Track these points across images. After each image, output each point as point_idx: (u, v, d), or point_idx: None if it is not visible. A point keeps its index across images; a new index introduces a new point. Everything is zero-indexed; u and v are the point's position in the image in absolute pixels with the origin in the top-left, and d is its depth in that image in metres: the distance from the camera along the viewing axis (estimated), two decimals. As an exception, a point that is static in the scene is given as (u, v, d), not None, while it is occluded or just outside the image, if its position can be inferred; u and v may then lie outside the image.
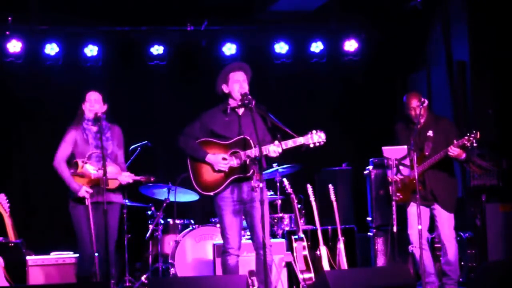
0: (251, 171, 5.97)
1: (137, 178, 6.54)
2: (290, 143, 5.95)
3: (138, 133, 8.32)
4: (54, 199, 8.17)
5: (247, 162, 5.99)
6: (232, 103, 6.16)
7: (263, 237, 5.74)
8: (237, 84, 6.11)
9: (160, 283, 6.15)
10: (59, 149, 6.43)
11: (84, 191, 6.30)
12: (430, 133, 6.74)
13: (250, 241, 6.35)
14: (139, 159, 7.95)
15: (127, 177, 6.46)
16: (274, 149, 5.94)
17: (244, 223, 6.30)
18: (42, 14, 8.87)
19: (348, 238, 7.94)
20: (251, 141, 5.99)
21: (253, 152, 5.94)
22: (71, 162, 6.40)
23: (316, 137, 5.94)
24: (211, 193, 6.10)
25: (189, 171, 6.17)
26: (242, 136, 6.05)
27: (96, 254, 6.35)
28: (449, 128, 6.87)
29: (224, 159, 6.05)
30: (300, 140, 5.95)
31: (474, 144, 6.40)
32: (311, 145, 5.95)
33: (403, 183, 6.76)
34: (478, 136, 6.37)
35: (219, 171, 6.06)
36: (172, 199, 7.98)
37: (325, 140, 5.96)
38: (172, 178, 8.00)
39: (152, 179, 6.64)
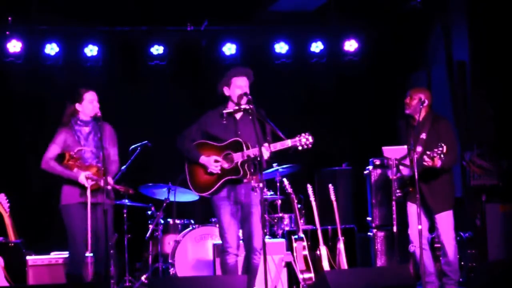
0: (242, 173, 6.04)
1: (117, 187, 6.45)
2: (278, 146, 6.05)
3: (138, 133, 8.32)
4: (54, 199, 8.15)
5: (238, 164, 6.07)
6: (231, 106, 6.24)
7: (263, 239, 5.82)
8: (239, 90, 6.19)
9: (160, 283, 6.16)
10: (47, 151, 6.34)
11: (83, 177, 6.17)
12: (423, 135, 6.71)
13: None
14: (139, 159, 7.95)
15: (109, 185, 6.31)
16: (263, 151, 5.96)
17: None
18: (42, 14, 8.86)
19: (348, 238, 7.95)
20: (243, 144, 6.07)
21: (245, 154, 6.02)
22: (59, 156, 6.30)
23: (304, 140, 6.01)
24: (205, 194, 6.21)
25: (185, 172, 6.29)
26: (235, 139, 6.12)
27: (91, 254, 6.33)
28: (445, 130, 6.79)
29: (216, 161, 6.14)
30: (288, 143, 6.02)
31: (442, 156, 6.36)
32: (299, 148, 6.02)
33: (399, 182, 6.72)
34: (444, 150, 6.33)
35: (211, 173, 6.16)
36: (172, 199, 8.00)
37: (312, 143, 6.02)
38: (172, 178, 8.01)
39: (131, 192, 6.60)
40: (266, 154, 6.01)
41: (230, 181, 6.14)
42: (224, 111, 6.21)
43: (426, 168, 6.50)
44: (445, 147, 6.32)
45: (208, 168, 6.15)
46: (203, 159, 6.16)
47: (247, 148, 6.05)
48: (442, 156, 6.35)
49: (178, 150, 6.29)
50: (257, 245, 6.13)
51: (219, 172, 6.13)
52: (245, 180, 6.07)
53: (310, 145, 6.02)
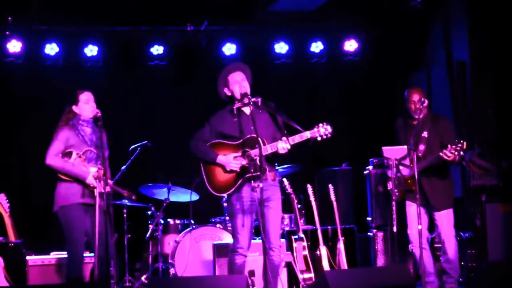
0: (262, 169, 5.87)
1: (119, 189, 6.41)
2: (297, 138, 5.96)
3: (138, 133, 8.32)
4: (54, 199, 8.16)
5: (257, 161, 5.91)
6: (237, 104, 6.15)
7: (267, 238, 5.78)
8: (237, 85, 6.11)
9: (160, 283, 6.15)
10: (51, 147, 6.23)
11: (91, 177, 6.10)
12: (424, 134, 6.73)
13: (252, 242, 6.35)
14: (139, 159, 7.94)
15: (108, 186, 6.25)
16: (282, 145, 5.93)
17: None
18: (42, 14, 8.87)
19: (348, 238, 7.95)
20: (260, 140, 5.92)
21: (263, 150, 5.87)
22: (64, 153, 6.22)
23: (323, 130, 5.95)
24: (225, 194, 6.10)
25: (202, 175, 6.15)
26: (251, 135, 6.01)
27: (93, 254, 6.32)
28: (446, 128, 6.83)
29: (235, 158, 6.04)
30: (307, 135, 5.95)
31: (461, 153, 6.41)
32: (318, 138, 5.95)
33: (399, 182, 6.73)
34: (464, 146, 6.38)
35: (231, 171, 6.04)
36: (172, 199, 8.03)
37: (331, 132, 5.96)
38: (172, 178, 8.01)
39: (133, 197, 6.56)
40: (285, 148, 5.93)
41: (249, 179, 5.98)
42: (234, 107, 6.12)
43: (436, 164, 6.56)
44: (465, 143, 6.37)
45: (226, 167, 6.03)
46: (220, 159, 6.04)
47: (263, 144, 5.91)
48: (461, 152, 6.40)
49: (192, 154, 6.16)
50: (274, 241, 6.01)
51: (238, 170, 6.02)
52: (264, 177, 5.90)
53: (330, 135, 5.95)
